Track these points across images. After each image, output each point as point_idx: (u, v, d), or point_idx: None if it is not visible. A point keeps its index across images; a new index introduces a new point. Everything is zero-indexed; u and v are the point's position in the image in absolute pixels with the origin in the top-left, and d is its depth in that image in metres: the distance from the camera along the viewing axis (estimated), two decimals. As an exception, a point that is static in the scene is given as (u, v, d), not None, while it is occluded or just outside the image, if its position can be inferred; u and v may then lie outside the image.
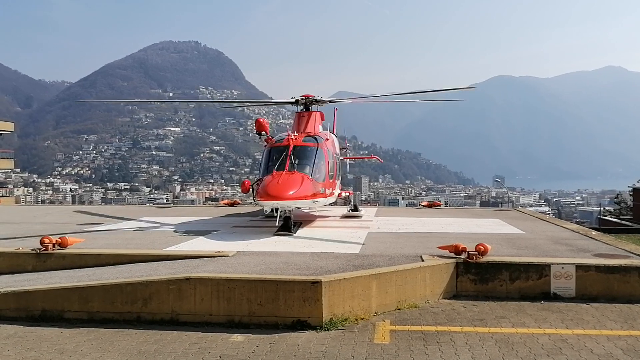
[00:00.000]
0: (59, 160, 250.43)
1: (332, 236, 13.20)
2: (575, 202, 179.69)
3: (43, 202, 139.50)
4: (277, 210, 13.25)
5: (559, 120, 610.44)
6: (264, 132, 15.00)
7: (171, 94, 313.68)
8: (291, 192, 12.85)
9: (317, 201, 14.20)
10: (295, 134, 15.14)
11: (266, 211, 14.14)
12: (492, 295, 9.13)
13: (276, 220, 13.43)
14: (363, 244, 11.75)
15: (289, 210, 13.55)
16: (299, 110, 17.17)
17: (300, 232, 13.89)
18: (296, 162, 13.80)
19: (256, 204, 15.01)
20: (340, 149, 19.23)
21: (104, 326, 7.87)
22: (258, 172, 15.16)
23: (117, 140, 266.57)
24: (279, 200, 12.76)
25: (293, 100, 17.19)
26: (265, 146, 15.21)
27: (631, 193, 41.39)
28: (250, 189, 14.10)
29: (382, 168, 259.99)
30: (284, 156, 13.88)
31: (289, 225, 13.49)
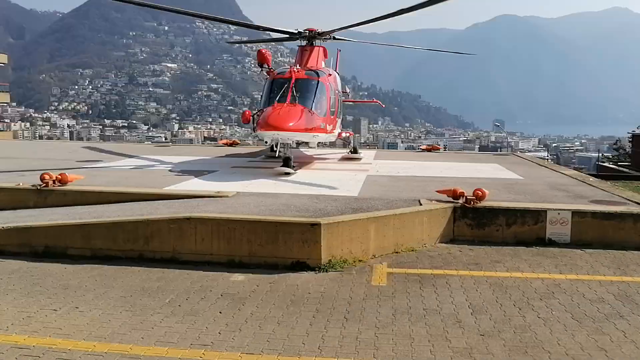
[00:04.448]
0: (55, 95, 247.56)
1: (331, 179, 13.21)
2: (574, 148, 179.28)
3: (41, 137, 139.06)
4: (277, 145, 13.34)
5: (562, 63, 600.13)
6: (265, 64, 14.65)
7: (166, 28, 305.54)
8: (291, 124, 12.75)
9: (317, 136, 14.13)
10: (298, 67, 14.87)
11: (266, 142, 14.06)
12: (488, 240, 9.24)
13: (275, 155, 13.72)
14: (362, 187, 11.78)
15: (289, 149, 13.59)
16: (302, 45, 16.89)
17: (300, 173, 13.92)
18: (298, 95, 13.55)
19: (256, 136, 14.94)
20: (342, 91, 18.97)
21: (107, 263, 7.99)
22: (259, 104, 15.03)
23: (112, 76, 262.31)
24: (279, 130, 12.67)
25: (296, 32, 16.78)
26: (266, 78, 14.96)
27: (630, 140, 41.25)
28: (251, 120, 14.01)
29: (382, 110, 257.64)
30: (286, 88, 13.64)
31: (289, 165, 13.54)
